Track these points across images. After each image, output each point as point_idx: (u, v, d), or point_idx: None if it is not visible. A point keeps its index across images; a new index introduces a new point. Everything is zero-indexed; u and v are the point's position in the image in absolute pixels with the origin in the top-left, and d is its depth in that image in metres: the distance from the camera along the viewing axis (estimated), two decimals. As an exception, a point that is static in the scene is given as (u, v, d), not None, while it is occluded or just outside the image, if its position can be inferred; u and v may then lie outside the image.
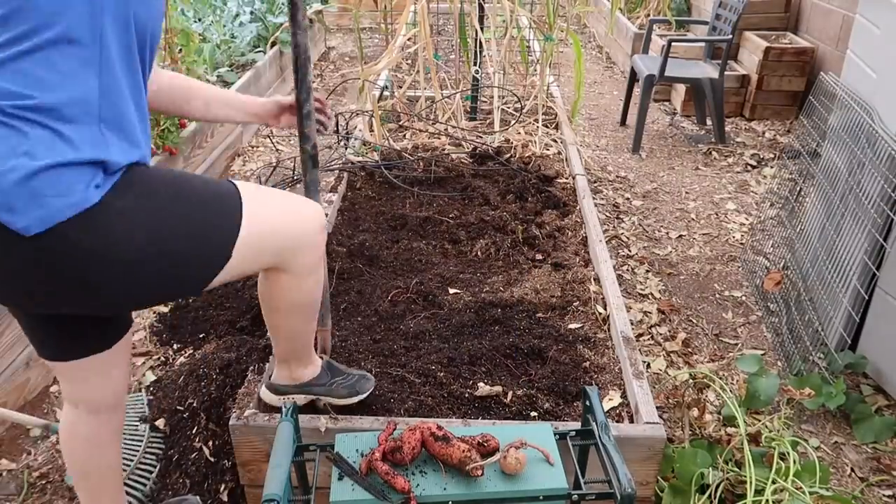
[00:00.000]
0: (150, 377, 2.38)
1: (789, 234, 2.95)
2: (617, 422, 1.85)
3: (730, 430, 2.03)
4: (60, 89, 1.07)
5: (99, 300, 1.20)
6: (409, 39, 3.82)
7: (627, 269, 3.09)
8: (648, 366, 2.47)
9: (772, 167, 4.08)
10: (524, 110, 3.93)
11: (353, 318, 2.32)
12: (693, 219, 3.55)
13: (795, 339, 2.48)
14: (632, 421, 1.85)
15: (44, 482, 2.02)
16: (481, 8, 3.86)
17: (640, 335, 2.64)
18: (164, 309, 2.74)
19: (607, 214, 3.55)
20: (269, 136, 4.49)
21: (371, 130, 3.66)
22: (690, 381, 2.15)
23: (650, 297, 2.89)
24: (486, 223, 2.88)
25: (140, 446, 1.97)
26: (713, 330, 2.71)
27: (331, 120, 1.78)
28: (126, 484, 1.89)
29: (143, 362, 2.48)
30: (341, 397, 1.78)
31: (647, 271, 3.07)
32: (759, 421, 2.08)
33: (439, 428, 1.37)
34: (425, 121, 3.88)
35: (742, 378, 2.18)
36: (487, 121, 4.00)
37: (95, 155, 1.10)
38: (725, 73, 4.26)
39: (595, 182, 3.87)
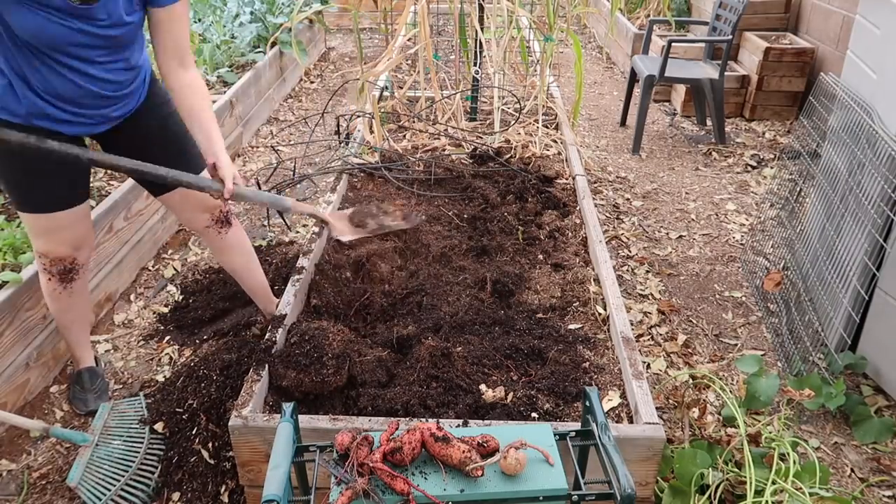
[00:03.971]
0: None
1: (789, 235, 2.95)
2: (616, 422, 1.85)
3: (730, 430, 2.03)
4: None
5: None
6: (409, 40, 3.82)
7: (627, 270, 3.09)
8: (648, 366, 2.47)
9: (772, 168, 4.08)
10: (524, 111, 3.93)
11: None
12: (693, 219, 3.55)
13: (795, 339, 2.48)
14: (631, 421, 1.85)
15: (44, 482, 2.02)
16: (481, 8, 3.86)
17: (640, 336, 2.64)
18: (163, 309, 2.74)
19: (607, 215, 3.55)
20: (269, 138, 4.49)
21: (371, 131, 3.66)
22: (690, 381, 2.15)
23: (650, 297, 2.89)
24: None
25: (141, 448, 1.97)
26: (713, 330, 2.71)
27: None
28: (128, 485, 1.90)
29: (149, 359, 2.48)
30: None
31: (647, 272, 3.07)
32: (759, 421, 2.08)
33: (439, 428, 1.36)
34: (425, 121, 3.88)
35: (742, 378, 2.18)
36: (487, 121, 4.00)
37: None
38: (725, 73, 4.26)
39: (595, 182, 3.87)
